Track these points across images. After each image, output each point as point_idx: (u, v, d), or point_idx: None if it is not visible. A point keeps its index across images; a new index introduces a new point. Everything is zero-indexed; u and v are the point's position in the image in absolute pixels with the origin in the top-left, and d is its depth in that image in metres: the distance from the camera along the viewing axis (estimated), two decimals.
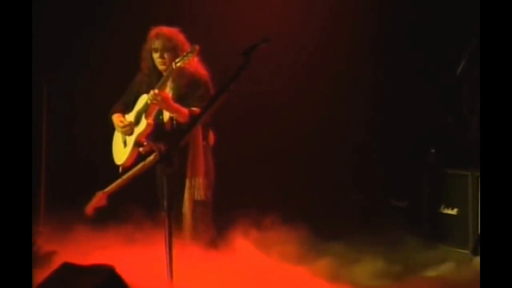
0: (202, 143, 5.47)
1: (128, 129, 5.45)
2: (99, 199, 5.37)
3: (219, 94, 4.38)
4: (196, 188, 5.37)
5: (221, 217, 5.78)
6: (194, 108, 5.36)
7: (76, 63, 6.97)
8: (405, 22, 7.86)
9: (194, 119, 5.03)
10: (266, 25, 6.98)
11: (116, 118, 5.59)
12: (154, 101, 5.30)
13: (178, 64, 5.29)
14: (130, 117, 5.55)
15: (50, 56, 6.82)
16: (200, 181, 5.39)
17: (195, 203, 5.39)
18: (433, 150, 7.66)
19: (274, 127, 7.63)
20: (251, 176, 7.36)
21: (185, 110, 5.37)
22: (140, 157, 5.42)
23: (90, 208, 5.39)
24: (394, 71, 7.91)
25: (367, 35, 7.84)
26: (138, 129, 5.41)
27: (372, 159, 7.96)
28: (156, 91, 5.30)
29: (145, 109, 5.39)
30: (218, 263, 5.15)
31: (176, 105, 5.38)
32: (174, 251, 4.23)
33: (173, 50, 5.44)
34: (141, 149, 5.40)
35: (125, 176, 5.36)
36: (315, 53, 7.71)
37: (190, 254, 5.03)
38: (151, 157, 5.34)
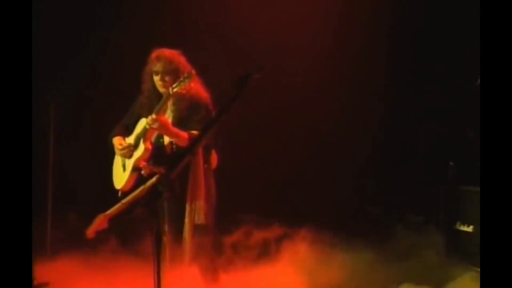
0: (204, 166, 5.44)
1: (127, 152, 5.44)
2: (100, 222, 5.35)
3: (212, 124, 4.34)
4: (196, 212, 5.33)
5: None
6: (194, 132, 5.33)
7: (82, 80, 7.10)
8: (424, 30, 7.78)
9: (193, 143, 4.95)
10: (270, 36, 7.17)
11: (116, 141, 5.58)
12: (153, 126, 5.29)
13: (175, 90, 5.27)
14: (130, 140, 5.54)
15: (56, 74, 7.01)
16: (200, 204, 5.35)
17: (195, 227, 5.34)
18: (452, 164, 7.54)
19: (286, 133, 7.69)
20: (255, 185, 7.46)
21: (184, 134, 5.35)
22: (140, 181, 5.39)
23: (91, 231, 5.37)
24: (413, 82, 7.84)
25: (382, 40, 7.80)
26: (137, 154, 5.40)
27: (390, 172, 7.89)
28: (154, 116, 5.28)
29: (144, 134, 5.38)
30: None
31: (175, 130, 5.35)
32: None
33: (173, 73, 5.43)
34: (142, 171, 5.38)
35: (124, 200, 5.33)
36: (325, 61, 7.67)
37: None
38: (152, 180, 5.27)
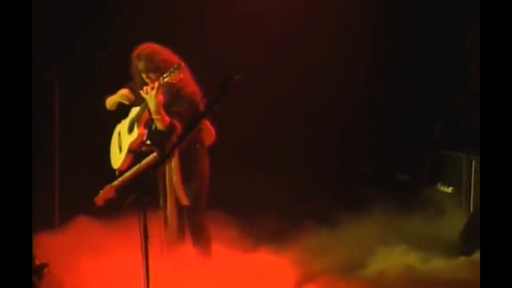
0: (196, 146, 5.63)
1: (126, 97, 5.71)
2: (108, 191, 5.73)
3: (191, 128, 4.95)
4: (184, 193, 5.56)
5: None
6: (176, 122, 5.49)
7: (85, 59, 7.41)
8: None
9: (173, 134, 5.39)
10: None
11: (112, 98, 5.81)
12: (145, 95, 5.46)
13: (165, 80, 5.45)
14: (124, 126, 5.79)
15: (60, 52, 7.30)
16: (176, 185, 5.55)
17: (181, 208, 5.61)
18: (439, 127, 8.03)
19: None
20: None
21: (167, 118, 5.48)
22: (135, 161, 5.69)
23: (100, 198, 5.74)
24: (403, 46, 8.13)
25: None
26: (131, 137, 5.66)
27: (381, 133, 8.33)
28: (152, 87, 5.45)
29: (138, 119, 5.63)
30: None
31: (162, 111, 5.47)
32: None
33: (157, 70, 5.53)
34: (143, 148, 5.66)
35: (126, 175, 5.66)
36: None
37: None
38: (147, 159, 5.62)
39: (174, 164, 5.51)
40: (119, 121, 5.91)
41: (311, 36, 7.94)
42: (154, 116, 5.49)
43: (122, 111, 5.86)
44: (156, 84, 5.46)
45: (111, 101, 5.85)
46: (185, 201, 5.58)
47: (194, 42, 7.48)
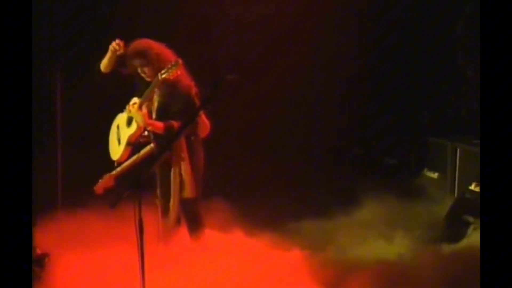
0: (190, 138, 5.79)
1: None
2: (107, 180, 5.99)
3: (188, 124, 5.23)
4: (181, 185, 5.79)
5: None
6: (172, 121, 5.69)
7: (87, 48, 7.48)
8: None
9: (172, 134, 5.59)
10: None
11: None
12: (130, 114, 5.78)
13: (163, 76, 5.60)
14: (123, 119, 6.00)
15: (61, 39, 7.52)
16: (187, 177, 5.78)
17: (181, 198, 5.80)
18: (426, 114, 8.34)
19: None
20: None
21: (159, 124, 5.71)
22: (134, 153, 5.96)
23: (99, 187, 6.00)
24: (391, 33, 8.42)
25: None
26: (130, 131, 5.91)
27: (373, 118, 8.67)
28: (136, 106, 5.72)
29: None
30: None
31: (151, 121, 5.75)
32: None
33: (150, 64, 5.72)
34: (141, 139, 5.90)
35: (124, 164, 5.94)
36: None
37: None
38: (145, 150, 5.90)
39: (183, 155, 5.74)
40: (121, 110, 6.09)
41: (301, 29, 8.20)
42: (147, 128, 5.78)
43: (120, 103, 6.03)
44: (138, 101, 5.72)
45: (104, 63, 5.95)
46: (193, 193, 5.80)
47: (191, 38, 7.69)
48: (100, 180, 6.05)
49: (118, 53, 5.83)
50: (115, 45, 5.83)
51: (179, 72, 5.64)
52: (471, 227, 6.78)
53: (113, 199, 4.72)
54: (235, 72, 5.02)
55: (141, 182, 4.68)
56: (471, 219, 6.85)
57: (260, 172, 8.12)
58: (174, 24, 7.76)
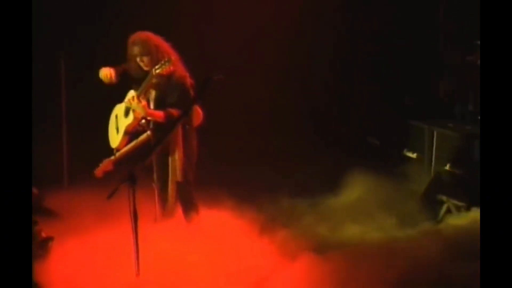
0: (185, 127, 6.13)
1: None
2: (106, 164, 6.39)
3: (184, 114, 5.68)
4: (176, 170, 6.12)
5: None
6: (171, 109, 6.01)
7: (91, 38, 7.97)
8: None
9: (171, 122, 5.93)
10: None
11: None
12: (130, 106, 6.10)
13: (157, 71, 5.94)
14: (121, 109, 6.34)
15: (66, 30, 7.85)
16: (180, 163, 6.10)
17: (176, 183, 6.16)
18: (408, 97, 8.81)
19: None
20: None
21: (160, 114, 6.03)
22: (131, 141, 6.33)
23: (99, 171, 6.40)
24: (375, 18, 8.83)
25: None
26: (127, 121, 6.26)
27: (357, 98, 9.15)
28: (135, 98, 6.03)
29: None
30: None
31: (151, 111, 6.08)
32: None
33: (149, 54, 6.04)
34: (141, 123, 6.21)
35: (122, 150, 6.31)
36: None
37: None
38: (142, 137, 6.25)
39: (179, 142, 6.13)
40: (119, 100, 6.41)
41: (286, 13, 8.59)
42: (148, 118, 6.13)
43: (119, 94, 6.38)
44: (137, 93, 6.06)
45: (101, 73, 6.27)
46: (179, 177, 6.18)
47: (188, 36, 8.07)
48: (100, 164, 6.44)
49: (104, 80, 6.23)
50: (108, 74, 6.19)
51: (172, 68, 5.98)
52: (444, 206, 7.30)
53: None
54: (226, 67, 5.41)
55: (135, 175, 5.15)
56: (444, 198, 7.33)
57: (249, 151, 8.58)
58: (174, 21, 8.18)
